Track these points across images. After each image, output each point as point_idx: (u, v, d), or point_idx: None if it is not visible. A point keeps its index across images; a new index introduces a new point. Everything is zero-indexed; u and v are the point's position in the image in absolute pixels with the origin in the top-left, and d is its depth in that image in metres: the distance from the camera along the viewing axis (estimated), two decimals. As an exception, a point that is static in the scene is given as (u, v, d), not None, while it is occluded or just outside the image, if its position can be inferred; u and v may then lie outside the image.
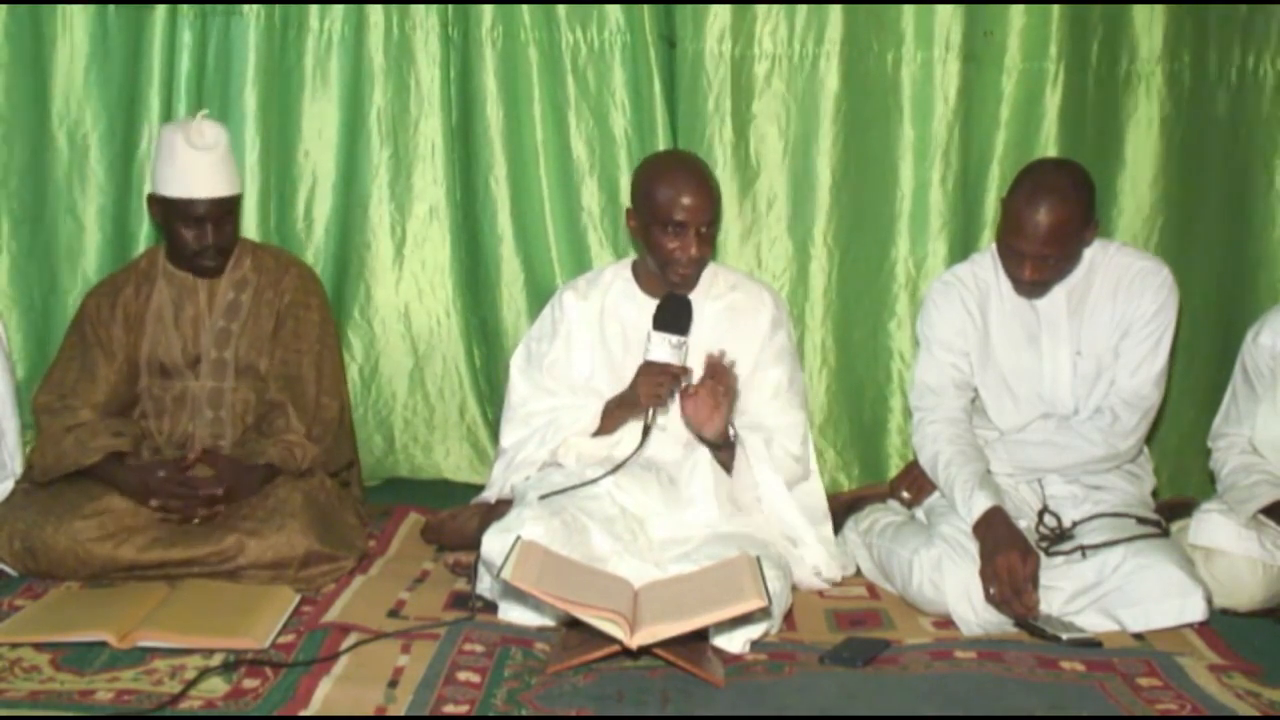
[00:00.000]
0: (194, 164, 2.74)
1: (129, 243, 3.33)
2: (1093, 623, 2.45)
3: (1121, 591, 2.47)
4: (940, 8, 3.31)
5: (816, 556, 2.69)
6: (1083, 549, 2.56)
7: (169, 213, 2.79)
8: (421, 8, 3.37)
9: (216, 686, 2.08)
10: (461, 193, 3.47)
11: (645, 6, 3.31)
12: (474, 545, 2.57)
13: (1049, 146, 3.33)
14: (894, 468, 3.37)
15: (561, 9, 3.36)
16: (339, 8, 3.36)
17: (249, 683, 2.10)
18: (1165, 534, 2.62)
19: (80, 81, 3.30)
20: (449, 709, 2.03)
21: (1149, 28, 3.38)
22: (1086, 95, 3.38)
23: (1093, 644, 2.35)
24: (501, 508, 2.67)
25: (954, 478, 2.62)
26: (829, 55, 3.34)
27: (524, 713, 2.03)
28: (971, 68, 3.34)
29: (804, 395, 2.88)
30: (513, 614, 2.41)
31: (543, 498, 2.51)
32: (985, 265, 2.83)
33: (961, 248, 3.34)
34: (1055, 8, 3.30)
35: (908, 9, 3.33)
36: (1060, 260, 2.62)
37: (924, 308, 2.89)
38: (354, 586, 2.62)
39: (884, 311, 3.45)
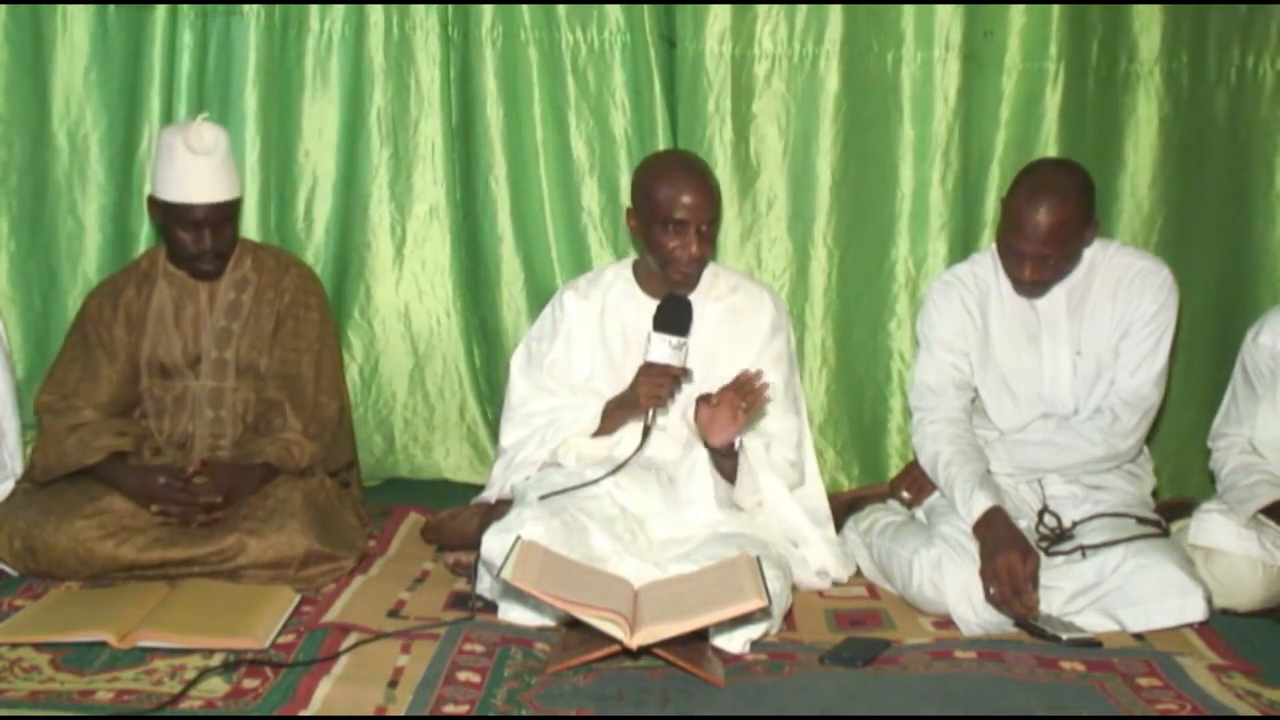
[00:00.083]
0: (192, 169, 2.73)
1: (129, 243, 3.33)
2: (1093, 623, 2.45)
3: (1121, 591, 2.47)
4: (940, 8, 3.31)
5: (824, 558, 2.70)
6: (1083, 549, 2.56)
7: (167, 216, 2.79)
8: (421, 8, 3.37)
9: (216, 686, 2.08)
10: (461, 193, 3.47)
11: (645, 6, 3.31)
12: (474, 545, 2.57)
13: (1049, 146, 3.33)
14: (894, 468, 3.37)
15: (561, 9, 3.36)
16: (339, 8, 3.36)
17: (249, 683, 2.10)
18: (1165, 534, 2.62)
19: (80, 81, 3.30)
20: (449, 709, 2.03)
21: (1148, 28, 3.38)
22: (1086, 95, 3.38)
23: (1093, 644, 2.35)
24: (501, 508, 2.67)
25: (954, 478, 2.62)
26: (829, 55, 3.35)
27: (524, 713, 2.03)
28: (971, 68, 3.34)
29: (800, 401, 2.89)
30: (513, 614, 2.41)
31: (543, 498, 2.51)
32: (985, 265, 2.83)
33: (961, 248, 3.34)
34: (1055, 8, 3.31)
35: (908, 9, 3.33)
36: (1060, 260, 2.63)
37: (924, 308, 2.89)
38: (354, 586, 2.62)
39: (884, 311, 3.45)
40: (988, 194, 3.38)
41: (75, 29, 3.28)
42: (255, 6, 3.28)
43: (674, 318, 2.60)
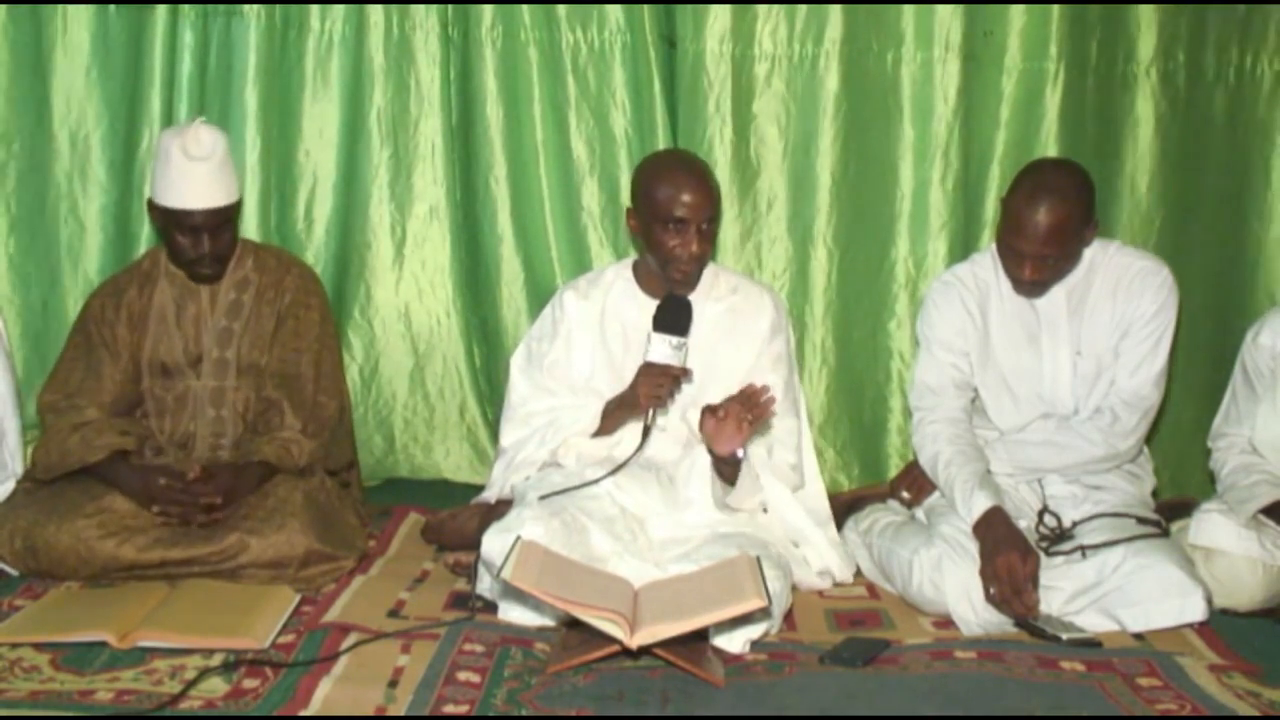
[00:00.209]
0: (189, 174, 2.72)
1: (130, 243, 3.33)
2: (1093, 623, 2.45)
3: (1121, 591, 2.47)
4: (940, 8, 3.31)
5: (827, 558, 2.70)
6: (1083, 549, 2.56)
7: (166, 221, 2.79)
8: (421, 8, 3.38)
9: (216, 686, 2.08)
10: (461, 193, 3.47)
11: (645, 6, 3.31)
12: (474, 545, 2.57)
13: (1049, 146, 3.33)
14: (894, 468, 3.37)
15: (561, 9, 3.36)
16: (339, 8, 3.36)
17: (249, 683, 2.10)
18: (1165, 534, 2.62)
19: (81, 81, 3.30)
20: (449, 709, 2.03)
21: (1147, 28, 3.38)
22: (1086, 95, 3.38)
23: (1093, 644, 2.35)
24: (501, 508, 2.67)
25: (954, 478, 2.62)
26: (829, 55, 3.35)
27: (524, 713, 2.03)
28: (971, 68, 3.34)
29: (800, 401, 2.89)
30: (513, 614, 2.41)
31: (543, 498, 2.51)
32: (985, 265, 2.83)
33: (961, 248, 3.34)
34: (1055, 8, 3.31)
35: (908, 9, 3.33)
36: (1060, 260, 2.63)
37: (924, 308, 2.89)
38: (354, 586, 2.62)
39: (884, 311, 3.45)
40: (988, 194, 3.39)
41: (76, 29, 3.28)
42: (256, 7, 3.28)
43: (674, 318, 2.60)
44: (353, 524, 2.87)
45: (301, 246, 3.42)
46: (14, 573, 2.62)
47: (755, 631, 2.31)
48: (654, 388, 2.56)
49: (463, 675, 2.15)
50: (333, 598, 2.54)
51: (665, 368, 2.56)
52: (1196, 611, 2.43)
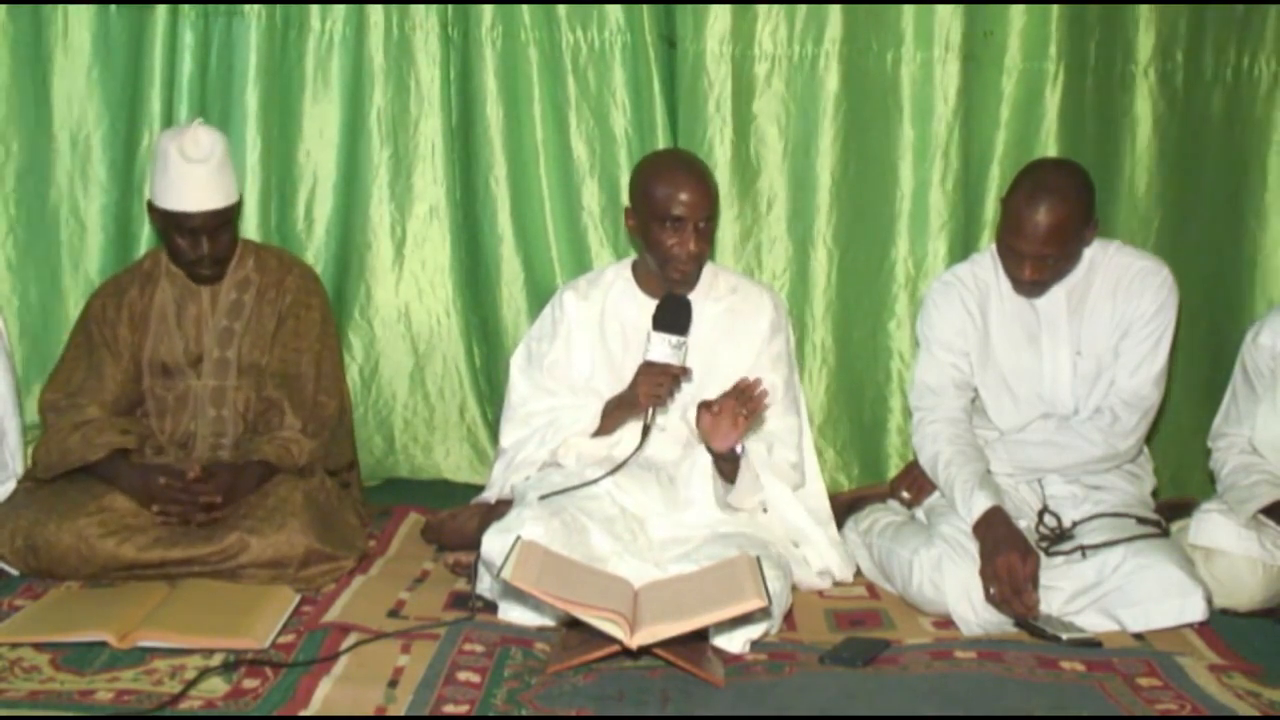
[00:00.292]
0: (188, 177, 2.72)
1: (131, 243, 3.33)
2: (1093, 623, 2.45)
3: (1121, 591, 2.47)
4: (940, 8, 3.31)
5: (830, 559, 2.70)
6: (1083, 549, 2.56)
7: (165, 223, 2.79)
8: (421, 8, 3.38)
9: (216, 686, 2.08)
10: (461, 193, 3.48)
11: (645, 6, 3.31)
12: (474, 545, 2.57)
13: (1049, 146, 3.33)
14: (894, 468, 3.37)
15: (561, 9, 3.36)
16: (339, 8, 3.36)
17: (249, 683, 2.10)
18: (1165, 534, 2.62)
19: (82, 81, 3.30)
20: (449, 709, 2.03)
21: (1146, 28, 3.38)
22: (1086, 95, 3.38)
23: (1093, 644, 2.35)
24: (501, 508, 2.67)
25: (954, 478, 2.62)
26: (829, 55, 3.35)
27: (524, 713, 2.03)
28: (971, 68, 3.34)
29: (800, 401, 2.89)
30: (513, 614, 2.41)
31: (543, 498, 2.51)
32: (985, 265, 2.83)
33: (961, 248, 3.34)
34: (1055, 8, 3.31)
35: (908, 9, 3.33)
36: (1060, 260, 2.63)
37: (924, 308, 2.89)
38: (354, 586, 2.62)
39: (884, 311, 3.45)
40: (988, 194, 3.38)
41: (76, 29, 3.28)
42: (256, 7, 3.28)
43: (673, 317, 2.61)
44: (353, 524, 2.87)
45: (301, 246, 3.42)
46: (14, 572, 2.62)
47: (755, 631, 2.31)
48: (654, 387, 2.56)
49: (463, 675, 2.15)
50: (333, 598, 2.54)
51: (665, 367, 2.57)
52: (1196, 611, 2.43)
